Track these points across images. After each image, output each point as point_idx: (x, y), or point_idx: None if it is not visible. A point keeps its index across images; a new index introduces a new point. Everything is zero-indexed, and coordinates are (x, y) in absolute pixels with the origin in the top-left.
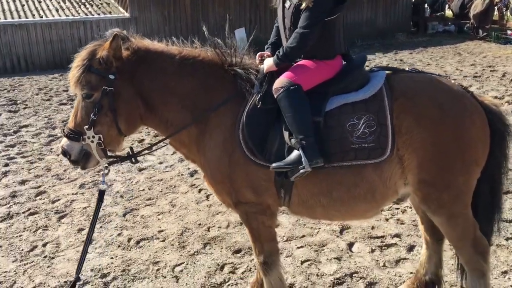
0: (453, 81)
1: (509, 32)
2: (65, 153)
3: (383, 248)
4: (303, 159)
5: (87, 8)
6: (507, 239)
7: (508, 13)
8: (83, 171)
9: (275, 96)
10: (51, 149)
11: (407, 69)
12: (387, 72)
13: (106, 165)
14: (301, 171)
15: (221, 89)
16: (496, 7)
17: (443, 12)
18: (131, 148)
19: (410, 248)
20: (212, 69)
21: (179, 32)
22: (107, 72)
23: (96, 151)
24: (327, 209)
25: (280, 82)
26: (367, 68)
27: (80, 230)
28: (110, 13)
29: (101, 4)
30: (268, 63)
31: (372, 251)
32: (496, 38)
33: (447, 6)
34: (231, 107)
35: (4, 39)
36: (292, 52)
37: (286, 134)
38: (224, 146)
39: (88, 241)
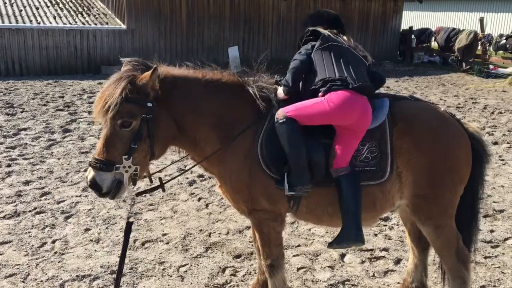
0: (443, 109)
1: (491, 66)
2: (95, 185)
3: (373, 260)
4: (284, 184)
5: (84, 18)
6: (485, 257)
7: (491, 49)
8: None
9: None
10: (52, 153)
11: (406, 96)
12: (390, 99)
13: (134, 196)
14: (286, 194)
15: (243, 109)
16: (480, 42)
17: (429, 44)
18: (160, 179)
19: (397, 261)
20: (234, 90)
21: (174, 47)
22: (145, 100)
23: (127, 182)
24: (333, 217)
25: (278, 114)
26: None
27: (86, 230)
28: (107, 23)
29: (98, 14)
30: (279, 92)
31: (362, 262)
32: (479, 72)
33: (433, 38)
34: (253, 125)
35: (1, 42)
36: (286, 80)
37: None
38: (244, 160)
39: (121, 271)
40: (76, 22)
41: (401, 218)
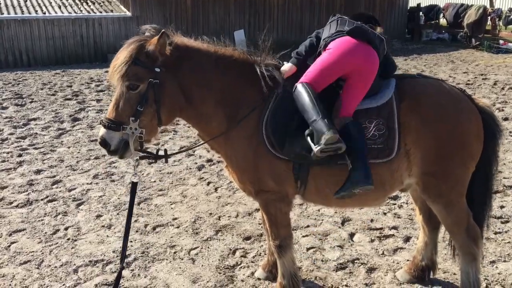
0: (452, 85)
1: (501, 41)
2: (104, 143)
3: (382, 238)
4: (311, 144)
5: (89, 6)
6: (495, 233)
7: (501, 23)
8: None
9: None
10: (62, 142)
11: (415, 74)
12: (397, 77)
13: (138, 158)
14: (316, 153)
15: (251, 88)
16: (489, 17)
17: (437, 20)
18: (165, 150)
19: (407, 239)
20: (243, 68)
21: (180, 32)
22: (153, 65)
23: (133, 142)
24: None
25: (296, 85)
26: None
27: (98, 216)
28: (112, 11)
29: (103, 2)
30: (286, 66)
31: (372, 241)
32: (488, 47)
33: (441, 14)
34: (259, 105)
35: (7, 33)
36: (297, 52)
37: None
38: (250, 140)
39: (128, 231)
40: (81, 10)
41: (411, 196)
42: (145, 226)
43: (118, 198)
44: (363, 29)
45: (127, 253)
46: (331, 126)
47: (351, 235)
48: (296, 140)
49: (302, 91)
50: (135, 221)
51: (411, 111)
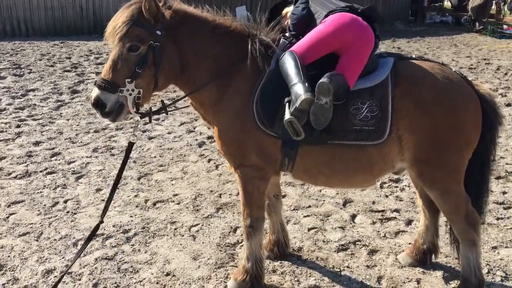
0: (453, 70)
1: (505, 26)
2: (98, 103)
3: (383, 221)
4: (285, 111)
5: None
6: (497, 218)
7: (506, 8)
8: (106, 124)
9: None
10: (61, 114)
11: (414, 56)
12: (395, 58)
13: (138, 118)
14: (286, 118)
15: (243, 61)
16: (494, 1)
17: (441, 3)
18: (162, 101)
19: (408, 222)
20: (239, 40)
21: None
22: (154, 27)
23: (131, 104)
24: (329, 178)
25: (284, 53)
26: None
27: (98, 190)
28: None
29: None
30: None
31: (373, 223)
32: (492, 32)
33: None
34: (250, 79)
35: (5, 2)
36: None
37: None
38: (238, 112)
39: (115, 188)
40: None
41: (411, 180)
42: (146, 201)
43: None
44: (375, 13)
45: (128, 227)
46: (310, 90)
47: (353, 216)
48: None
49: (288, 58)
50: (135, 196)
51: (406, 95)
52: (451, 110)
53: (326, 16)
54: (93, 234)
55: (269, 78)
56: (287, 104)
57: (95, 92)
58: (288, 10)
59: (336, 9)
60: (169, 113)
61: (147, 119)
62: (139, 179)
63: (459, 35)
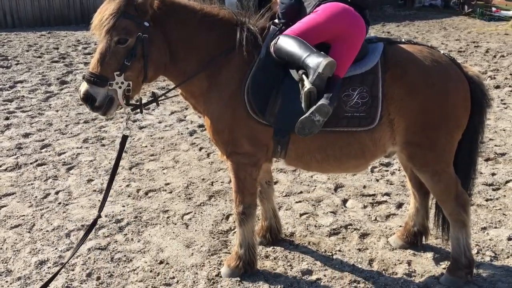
0: (442, 52)
1: (493, 9)
2: (88, 98)
3: (374, 204)
4: (305, 82)
5: None
6: (487, 200)
7: None
8: (97, 117)
9: (273, 52)
10: (50, 105)
11: (403, 40)
12: (384, 43)
13: (129, 110)
14: (306, 88)
15: (232, 49)
16: None
17: None
18: (153, 93)
19: (399, 205)
20: (227, 29)
21: None
22: (142, 19)
23: (121, 97)
24: (321, 163)
25: (278, 37)
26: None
27: (89, 180)
28: None
29: None
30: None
31: (364, 207)
32: (481, 15)
33: None
34: (240, 68)
35: None
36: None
37: (294, 72)
38: (229, 100)
39: (113, 179)
40: None
41: (401, 164)
42: (137, 191)
43: (109, 163)
44: (365, 1)
45: (120, 217)
46: (326, 55)
47: (344, 201)
48: (278, 106)
49: (286, 39)
50: (127, 185)
51: (396, 79)
52: (440, 93)
53: (316, 5)
54: (90, 230)
55: (259, 66)
56: (304, 76)
57: (84, 86)
58: None
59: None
60: (159, 102)
61: (138, 110)
62: (130, 168)
63: (448, 18)
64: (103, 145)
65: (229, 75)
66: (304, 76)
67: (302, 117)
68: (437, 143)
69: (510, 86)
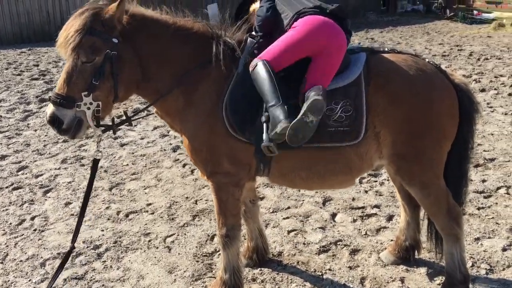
0: (427, 60)
1: (475, 12)
2: (55, 121)
3: (364, 218)
4: (263, 135)
5: None
6: (478, 208)
7: None
8: (66, 141)
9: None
10: (28, 124)
11: (386, 49)
12: (367, 53)
13: (101, 133)
14: (263, 143)
15: (209, 64)
16: None
17: None
18: (125, 112)
19: (389, 218)
20: (203, 42)
21: (149, 6)
22: (110, 35)
23: (90, 119)
24: (306, 181)
25: (252, 62)
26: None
27: (67, 204)
28: None
29: None
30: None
31: (354, 220)
32: (463, 18)
33: None
34: (217, 83)
35: None
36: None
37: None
38: (207, 117)
39: (84, 210)
40: None
41: (389, 176)
42: (118, 213)
43: None
44: (344, 12)
45: (99, 242)
46: (287, 114)
47: (333, 215)
48: (259, 123)
49: (261, 71)
50: (107, 208)
51: (380, 90)
52: (424, 101)
53: (293, 17)
54: (65, 261)
55: (237, 81)
56: (264, 125)
57: (50, 108)
58: (255, 7)
59: (304, 11)
60: (139, 119)
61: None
62: (110, 189)
63: (431, 22)
64: (83, 165)
65: (206, 91)
66: (264, 125)
67: (292, 122)
68: (425, 155)
69: (495, 89)
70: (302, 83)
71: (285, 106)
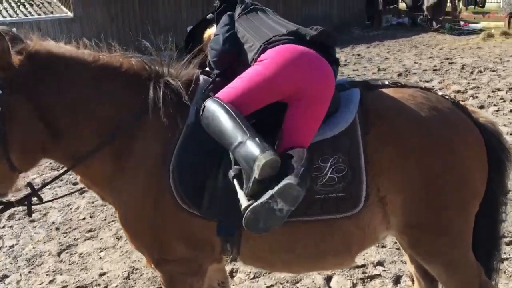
0: (440, 94)
1: (462, 23)
2: None
3: (366, 280)
4: (239, 194)
5: (27, 9)
6: (502, 259)
7: (461, 5)
8: None
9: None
10: None
11: (386, 82)
12: (361, 88)
13: None
14: (243, 206)
15: (145, 113)
16: None
17: (396, 5)
18: (29, 183)
19: (396, 280)
20: (136, 84)
21: (127, 31)
22: None
23: None
24: (290, 265)
25: (204, 104)
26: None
27: (3, 278)
28: (52, 13)
29: (42, 3)
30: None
31: (354, 285)
32: (450, 30)
33: None
34: (159, 139)
35: None
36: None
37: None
38: (148, 188)
39: None
40: (17, 14)
41: (401, 247)
42: None
43: (34, 248)
44: (331, 37)
45: None
46: (266, 145)
47: (328, 279)
48: (221, 187)
49: (214, 109)
50: (51, 281)
51: (382, 142)
52: (446, 154)
53: (262, 49)
54: None
55: (187, 136)
56: (235, 181)
57: None
58: (211, 32)
59: (275, 39)
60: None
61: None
62: (59, 254)
63: (417, 35)
64: (32, 221)
65: (143, 151)
66: (236, 185)
67: (254, 204)
68: (449, 223)
69: (495, 105)
70: (278, 136)
71: (256, 138)
